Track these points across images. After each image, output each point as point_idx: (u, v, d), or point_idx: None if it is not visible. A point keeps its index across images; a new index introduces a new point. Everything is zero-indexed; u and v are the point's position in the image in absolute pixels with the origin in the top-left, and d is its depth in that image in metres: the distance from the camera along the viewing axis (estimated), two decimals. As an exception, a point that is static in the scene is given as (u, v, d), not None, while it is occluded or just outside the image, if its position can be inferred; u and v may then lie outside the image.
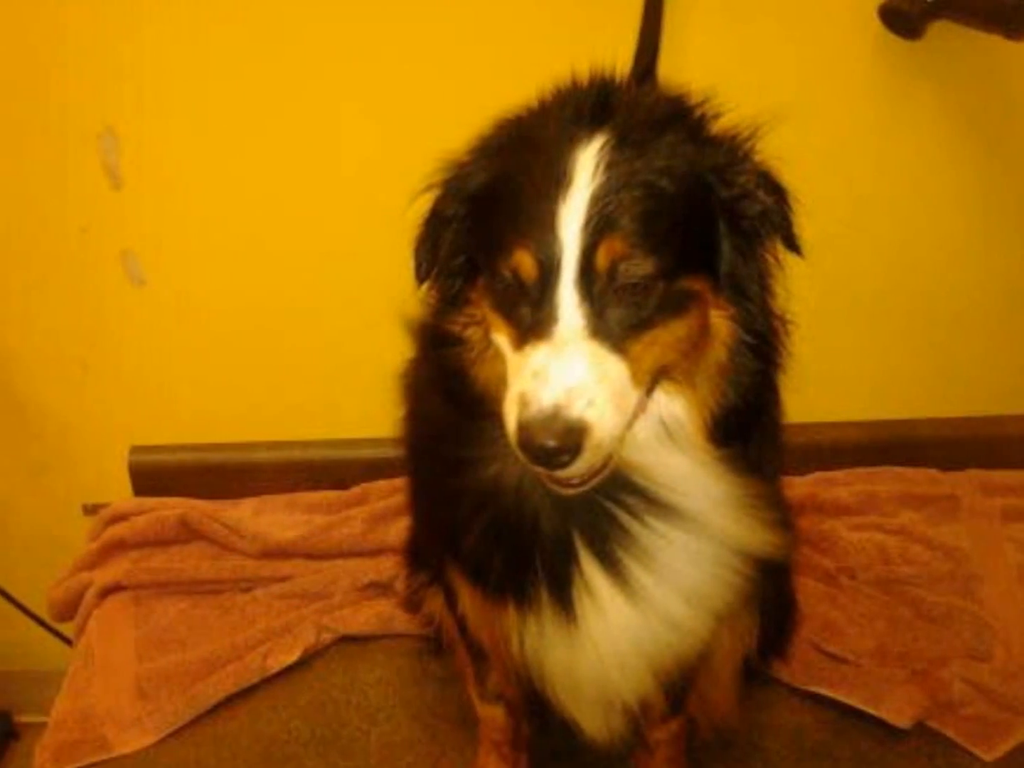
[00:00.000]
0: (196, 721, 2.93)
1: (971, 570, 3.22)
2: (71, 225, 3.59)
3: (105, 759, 2.85)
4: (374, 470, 3.64)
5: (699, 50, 3.19)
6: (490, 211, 1.89)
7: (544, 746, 2.74)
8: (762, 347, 1.93)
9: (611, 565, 2.04)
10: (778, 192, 1.90)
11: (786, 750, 2.75)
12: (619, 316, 1.76)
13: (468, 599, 2.34)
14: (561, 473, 1.77)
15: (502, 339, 1.87)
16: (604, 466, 1.81)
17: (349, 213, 3.47)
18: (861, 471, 3.65)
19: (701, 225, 1.87)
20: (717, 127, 1.94)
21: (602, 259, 1.74)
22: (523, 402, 1.71)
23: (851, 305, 3.58)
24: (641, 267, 1.75)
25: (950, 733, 2.76)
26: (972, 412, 3.71)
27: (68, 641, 3.65)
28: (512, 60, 3.14)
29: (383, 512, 3.49)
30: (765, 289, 1.94)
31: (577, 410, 1.68)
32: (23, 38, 3.33)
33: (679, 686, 2.43)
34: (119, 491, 3.76)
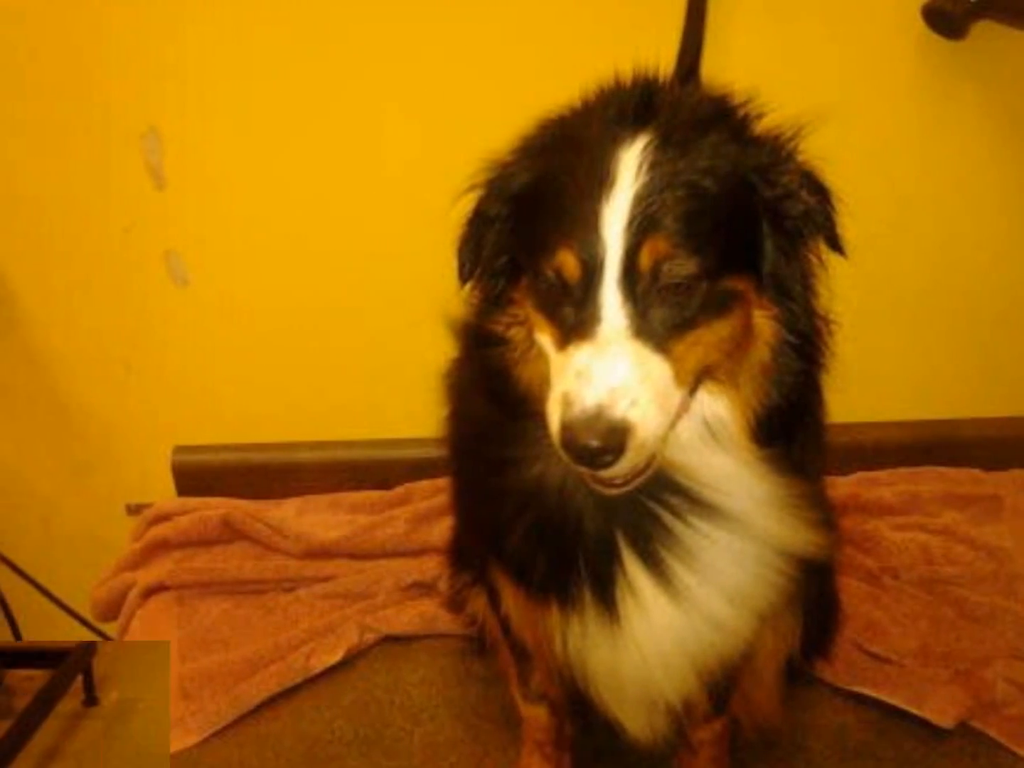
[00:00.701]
0: (239, 721, 2.93)
1: (1014, 570, 3.21)
2: (114, 225, 3.61)
3: (149, 758, 2.87)
4: (417, 470, 3.65)
5: (742, 50, 3.19)
6: (533, 211, 1.89)
7: (587, 746, 2.74)
8: (805, 347, 1.93)
9: (654, 565, 2.03)
10: (821, 192, 1.90)
11: (829, 750, 2.74)
12: (662, 316, 1.76)
13: (511, 599, 2.34)
14: (604, 473, 1.77)
15: (545, 339, 1.87)
16: (647, 466, 1.82)
17: (392, 213, 3.48)
18: (904, 471, 3.65)
19: (744, 225, 1.86)
20: (760, 127, 1.94)
21: (645, 259, 1.74)
22: (566, 402, 1.71)
23: (894, 305, 3.57)
24: (684, 267, 1.75)
25: (993, 733, 2.75)
26: (1015, 412, 3.70)
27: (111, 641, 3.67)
28: (555, 60, 3.16)
29: (426, 512, 3.50)
30: (808, 289, 1.94)
31: (620, 410, 1.68)
32: (67, 39, 3.35)
33: (722, 686, 2.42)
34: (162, 491, 3.78)
